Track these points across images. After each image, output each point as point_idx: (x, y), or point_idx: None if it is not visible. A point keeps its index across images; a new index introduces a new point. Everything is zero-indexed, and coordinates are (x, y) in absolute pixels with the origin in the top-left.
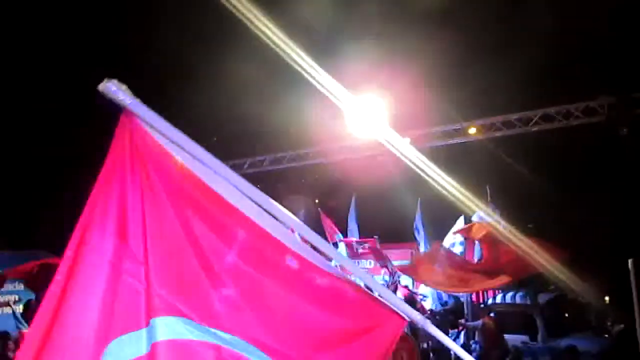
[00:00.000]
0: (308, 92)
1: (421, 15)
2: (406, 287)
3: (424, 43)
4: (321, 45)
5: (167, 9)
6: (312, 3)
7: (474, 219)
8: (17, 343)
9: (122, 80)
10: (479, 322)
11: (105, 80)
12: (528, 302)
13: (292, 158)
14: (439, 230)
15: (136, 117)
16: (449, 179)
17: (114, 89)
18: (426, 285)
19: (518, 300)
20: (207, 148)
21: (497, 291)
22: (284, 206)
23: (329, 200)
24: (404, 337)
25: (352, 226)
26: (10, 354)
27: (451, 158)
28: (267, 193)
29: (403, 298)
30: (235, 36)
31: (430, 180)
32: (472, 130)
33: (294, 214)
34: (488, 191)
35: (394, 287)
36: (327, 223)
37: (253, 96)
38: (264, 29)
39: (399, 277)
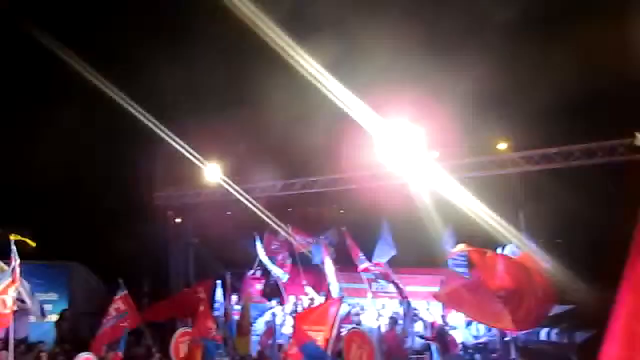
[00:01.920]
0: (340, 118)
1: (457, 43)
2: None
3: (460, 71)
4: (354, 71)
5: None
6: (344, 30)
7: (507, 252)
8: (52, 355)
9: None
10: None
11: None
12: (565, 340)
13: (324, 183)
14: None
15: None
16: (482, 206)
17: None
18: (458, 311)
19: (553, 337)
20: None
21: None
22: (315, 229)
23: (357, 226)
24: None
25: (384, 250)
26: None
27: (483, 184)
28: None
29: (433, 329)
30: (266, 59)
31: (462, 207)
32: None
33: (323, 236)
34: (522, 218)
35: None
36: (352, 247)
37: (284, 119)
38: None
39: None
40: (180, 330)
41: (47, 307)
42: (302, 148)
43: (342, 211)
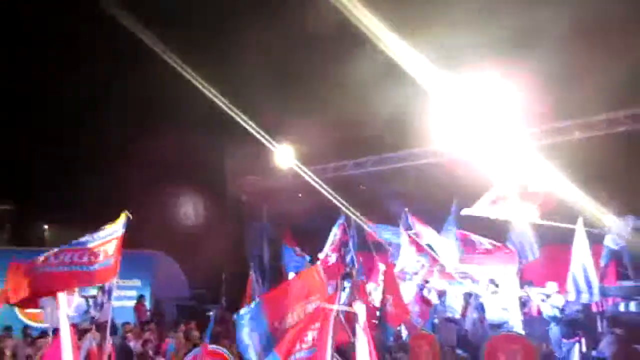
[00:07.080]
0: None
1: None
2: None
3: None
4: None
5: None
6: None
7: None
8: (137, 333)
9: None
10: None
11: None
12: None
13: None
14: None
15: None
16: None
17: None
18: None
19: None
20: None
21: (620, 298)
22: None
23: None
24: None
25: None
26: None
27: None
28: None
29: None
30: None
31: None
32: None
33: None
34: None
35: None
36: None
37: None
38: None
39: None
40: None
41: (131, 293)
42: (372, 125)
43: None
